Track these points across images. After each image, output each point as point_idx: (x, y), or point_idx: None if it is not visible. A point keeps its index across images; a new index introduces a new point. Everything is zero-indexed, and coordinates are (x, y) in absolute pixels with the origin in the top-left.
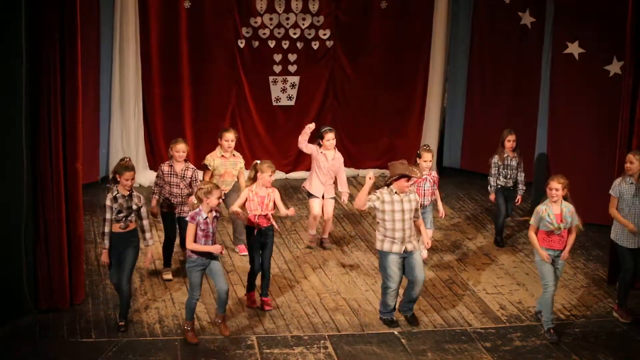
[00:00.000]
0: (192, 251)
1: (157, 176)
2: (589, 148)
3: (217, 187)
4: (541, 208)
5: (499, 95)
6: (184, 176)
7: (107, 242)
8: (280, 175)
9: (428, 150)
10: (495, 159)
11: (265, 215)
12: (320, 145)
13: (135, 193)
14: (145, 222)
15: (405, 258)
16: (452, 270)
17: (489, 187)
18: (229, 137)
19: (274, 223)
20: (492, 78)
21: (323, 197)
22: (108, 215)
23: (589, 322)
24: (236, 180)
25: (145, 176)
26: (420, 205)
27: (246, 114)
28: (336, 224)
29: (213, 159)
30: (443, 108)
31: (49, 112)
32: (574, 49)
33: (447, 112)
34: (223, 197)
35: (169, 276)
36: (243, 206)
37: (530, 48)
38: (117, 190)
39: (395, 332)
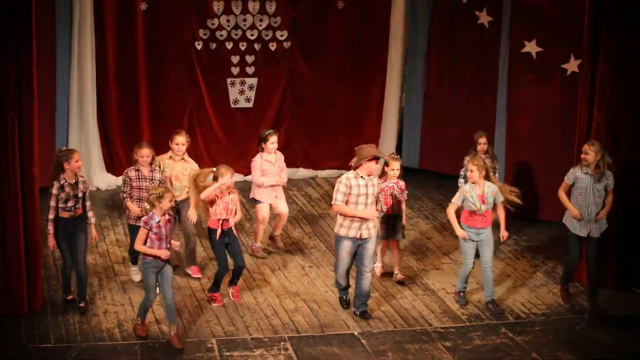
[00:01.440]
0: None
1: (124, 183)
2: (547, 147)
3: (169, 190)
4: (465, 188)
5: (457, 94)
6: (152, 179)
7: (51, 228)
8: (239, 177)
9: (396, 158)
10: (466, 160)
11: (228, 220)
12: (262, 150)
13: (80, 179)
14: (88, 204)
15: (359, 245)
16: (412, 270)
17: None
18: (179, 141)
19: (233, 228)
20: (450, 77)
21: (272, 202)
22: (53, 203)
23: (548, 320)
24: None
25: (103, 179)
26: (389, 214)
27: (204, 116)
28: (295, 225)
29: (162, 159)
30: (401, 108)
31: (4, 116)
32: (532, 47)
33: (405, 112)
34: (176, 200)
35: (137, 277)
36: (212, 201)
37: (487, 47)
38: (64, 178)
39: (355, 333)
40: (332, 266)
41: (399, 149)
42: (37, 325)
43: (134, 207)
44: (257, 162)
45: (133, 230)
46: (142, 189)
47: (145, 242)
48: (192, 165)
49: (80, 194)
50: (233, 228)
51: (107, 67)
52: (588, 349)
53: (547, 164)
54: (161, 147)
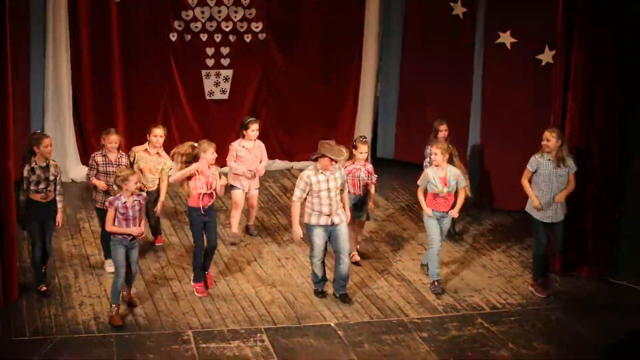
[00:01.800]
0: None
1: (90, 167)
2: (521, 137)
3: (134, 172)
4: (428, 171)
5: (432, 85)
6: (119, 164)
7: (22, 209)
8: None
9: (364, 142)
10: (428, 149)
11: (210, 194)
12: (243, 137)
13: (52, 163)
14: (59, 188)
15: (332, 230)
16: (387, 261)
17: None
18: (158, 133)
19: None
20: (425, 68)
21: (248, 191)
22: (24, 186)
23: (524, 310)
24: (156, 182)
25: (78, 172)
26: (355, 194)
27: (179, 108)
28: (270, 216)
29: (137, 151)
30: (376, 99)
31: None
32: (506, 38)
33: (380, 102)
34: (143, 183)
35: (110, 269)
36: (187, 181)
37: (462, 38)
38: (35, 162)
39: (332, 324)
40: (308, 257)
41: (374, 140)
42: (13, 318)
43: (99, 182)
44: (234, 146)
45: (101, 214)
46: (109, 173)
47: (113, 223)
48: (165, 160)
49: (51, 177)
50: (213, 206)
51: (81, 60)
52: (564, 338)
53: (522, 155)
54: (136, 139)
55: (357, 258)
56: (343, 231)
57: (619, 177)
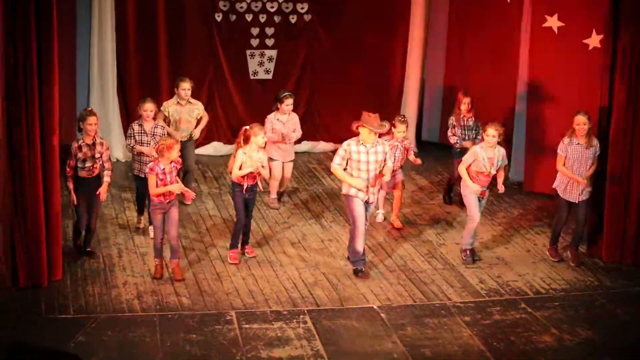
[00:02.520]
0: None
1: (128, 136)
2: (568, 122)
3: (177, 142)
4: (476, 149)
5: (478, 69)
6: (154, 134)
7: (71, 185)
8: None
9: (402, 121)
10: (451, 120)
11: (254, 176)
12: (277, 109)
13: (98, 140)
14: (107, 165)
15: (365, 207)
16: (431, 244)
17: (455, 144)
18: (185, 87)
19: (259, 183)
20: (472, 52)
21: (283, 161)
22: (72, 162)
23: (568, 295)
24: (192, 129)
25: (123, 151)
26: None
27: (224, 88)
28: (315, 199)
29: (169, 105)
30: (422, 82)
31: (25, 87)
32: (553, 22)
33: (426, 86)
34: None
35: (141, 225)
36: (240, 168)
37: (509, 22)
38: (82, 138)
39: (375, 307)
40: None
41: (419, 123)
42: (57, 296)
43: (145, 149)
44: (269, 119)
45: (137, 181)
46: (143, 143)
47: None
48: (197, 107)
49: (97, 155)
50: (260, 183)
51: (127, 38)
52: (607, 325)
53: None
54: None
55: (399, 224)
56: (369, 211)
57: None
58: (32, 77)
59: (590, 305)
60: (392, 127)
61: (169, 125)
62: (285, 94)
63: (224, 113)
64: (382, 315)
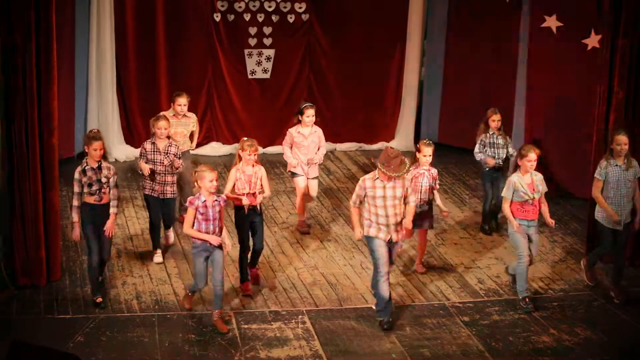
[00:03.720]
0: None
1: (140, 155)
2: (566, 122)
3: (212, 169)
4: (513, 180)
5: (477, 68)
6: (167, 153)
7: (76, 216)
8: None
9: (429, 144)
10: (479, 138)
11: (254, 194)
12: (299, 122)
13: (104, 164)
14: (113, 191)
15: (389, 247)
16: (430, 244)
17: (481, 161)
18: (182, 102)
19: (257, 204)
20: (470, 51)
21: (308, 176)
22: (77, 189)
23: (567, 295)
24: (187, 141)
25: (122, 151)
26: (420, 202)
27: (222, 87)
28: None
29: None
30: (420, 81)
31: (25, 87)
32: (552, 22)
33: (425, 85)
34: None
35: (159, 259)
36: (233, 189)
37: (507, 22)
38: (87, 162)
39: (373, 307)
40: (350, 240)
41: (417, 123)
42: (56, 296)
43: (144, 166)
44: (290, 132)
45: (148, 200)
46: (157, 162)
47: (193, 225)
48: (192, 120)
49: (104, 179)
50: (259, 206)
51: (126, 38)
52: (606, 325)
53: (565, 139)
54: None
55: (422, 269)
56: (393, 252)
57: None
58: (32, 77)
59: (589, 306)
60: (417, 152)
61: None
62: (306, 104)
63: (222, 112)
64: None
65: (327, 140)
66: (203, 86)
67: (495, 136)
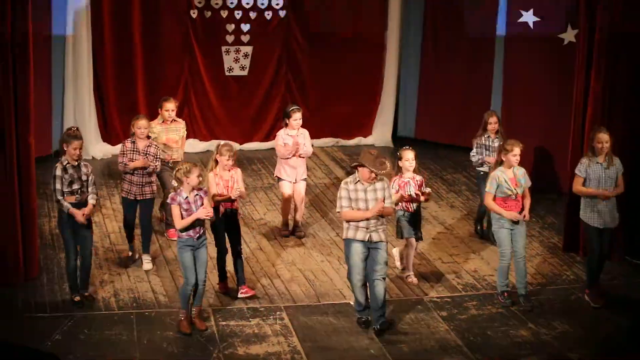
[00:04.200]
0: (181, 230)
1: (121, 153)
2: (543, 117)
3: (196, 165)
4: (497, 174)
5: (454, 64)
6: (147, 153)
7: (66, 204)
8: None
9: (409, 149)
10: (475, 141)
11: (231, 199)
12: (286, 125)
13: (83, 162)
14: (91, 188)
15: (370, 249)
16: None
17: (478, 161)
18: (169, 107)
19: (238, 208)
20: (447, 47)
21: (295, 180)
22: (58, 186)
23: (544, 289)
24: (181, 152)
25: (99, 149)
26: (409, 211)
27: (199, 84)
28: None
29: (153, 126)
30: (398, 78)
31: (0, 85)
32: (529, 17)
33: (401, 81)
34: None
35: (149, 266)
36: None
37: (485, 16)
38: (67, 159)
39: (351, 302)
40: (328, 235)
41: (395, 119)
42: (33, 295)
43: (139, 162)
44: (279, 137)
45: (126, 204)
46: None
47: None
48: (182, 125)
49: (84, 177)
50: (239, 210)
51: (102, 35)
52: (583, 318)
53: (543, 134)
54: (156, 114)
55: (414, 280)
56: (382, 254)
57: None
58: (8, 76)
59: (566, 299)
60: (398, 160)
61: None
62: (293, 107)
63: (199, 110)
64: None
65: None
66: (180, 83)
67: (491, 139)
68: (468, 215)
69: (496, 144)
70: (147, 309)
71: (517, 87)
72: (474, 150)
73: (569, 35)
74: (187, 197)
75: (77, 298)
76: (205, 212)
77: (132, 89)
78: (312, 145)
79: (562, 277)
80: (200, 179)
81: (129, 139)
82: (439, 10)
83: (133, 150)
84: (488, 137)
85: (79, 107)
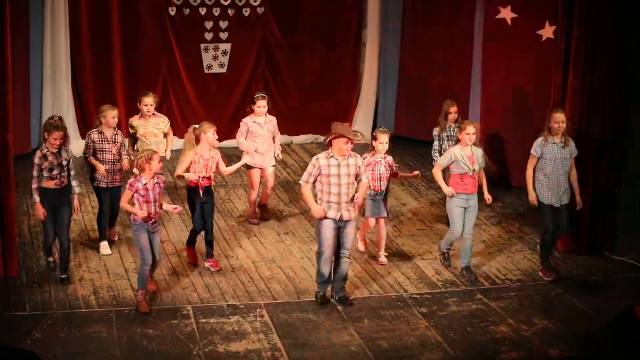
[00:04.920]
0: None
1: (86, 146)
2: (521, 113)
3: (156, 151)
4: (454, 150)
5: (432, 61)
6: (115, 141)
7: (37, 197)
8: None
9: (384, 131)
10: (436, 131)
11: (209, 177)
12: (252, 112)
13: (63, 148)
14: (72, 173)
15: (340, 227)
16: (387, 236)
17: (433, 162)
18: (148, 102)
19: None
20: (425, 44)
21: (262, 167)
22: (36, 173)
23: (524, 286)
24: (159, 143)
25: (78, 146)
26: (375, 191)
27: (178, 81)
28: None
29: (133, 120)
30: (378, 72)
31: None
32: (506, 13)
33: (381, 78)
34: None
35: (107, 251)
36: (188, 170)
37: (463, 13)
38: (46, 147)
39: (331, 300)
40: (308, 232)
41: (374, 115)
42: (13, 293)
43: (99, 165)
44: (245, 122)
45: (98, 192)
46: (105, 151)
47: (129, 203)
48: (162, 120)
49: (64, 162)
50: (212, 187)
51: (80, 32)
52: (563, 314)
53: (521, 131)
54: (135, 111)
55: (384, 260)
56: (350, 232)
57: (619, 153)
58: None
59: (546, 296)
60: (373, 140)
61: (135, 140)
62: (258, 95)
63: (178, 107)
64: (338, 307)
65: (283, 133)
66: (159, 80)
67: (451, 129)
68: (446, 212)
69: (456, 134)
70: (127, 307)
71: (496, 84)
72: (436, 143)
73: (547, 32)
74: (145, 183)
75: (51, 259)
76: (143, 214)
77: (111, 87)
78: (292, 143)
79: (550, 280)
80: (161, 164)
81: (94, 129)
82: (418, 6)
83: (102, 140)
84: (449, 127)
85: (58, 105)
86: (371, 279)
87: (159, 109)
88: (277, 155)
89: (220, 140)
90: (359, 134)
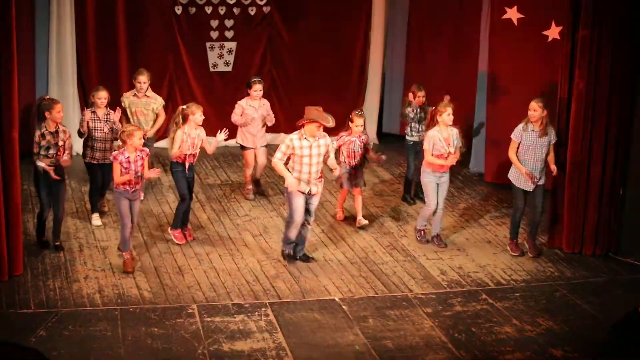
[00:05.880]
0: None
1: (80, 122)
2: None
3: (139, 128)
4: (432, 134)
5: (438, 61)
6: (107, 120)
7: (42, 163)
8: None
9: (359, 115)
10: (408, 111)
11: (194, 154)
12: (248, 95)
13: (61, 128)
14: (67, 151)
15: (307, 199)
16: (393, 236)
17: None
18: (142, 79)
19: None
20: (431, 44)
21: (255, 147)
22: (36, 150)
23: (529, 286)
24: (150, 122)
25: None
26: (350, 165)
27: (184, 80)
28: (276, 191)
29: (126, 96)
30: (383, 74)
31: None
32: (513, 14)
33: (386, 77)
34: (144, 138)
35: (98, 222)
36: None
37: (469, 14)
38: (45, 127)
39: (336, 299)
40: (313, 232)
41: (379, 115)
42: (18, 291)
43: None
44: (240, 104)
45: (89, 167)
46: (97, 129)
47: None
48: (154, 100)
49: (60, 142)
50: (193, 163)
51: (86, 32)
52: (568, 315)
53: None
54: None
55: (364, 222)
56: (314, 203)
57: (624, 154)
58: None
59: (551, 296)
60: (349, 122)
61: (126, 117)
62: (254, 79)
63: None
64: (343, 307)
65: (289, 131)
66: (165, 79)
67: (418, 111)
68: (453, 212)
69: (423, 116)
70: (132, 305)
71: (502, 84)
72: (410, 125)
73: (553, 33)
74: (128, 156)
75: (44, 238)
76: (130, 176)
77: (117, 85)
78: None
79: (547, 273)
80: (142, 140)
81: (89, 108)
82: (423, 7)
83: (94, 119)
84: (416, 109)
85: (63, 102)
86: (376, 278)
87: (165, 107)
88: (268, 121)
89: (225, 139)
90: (329, 119)
